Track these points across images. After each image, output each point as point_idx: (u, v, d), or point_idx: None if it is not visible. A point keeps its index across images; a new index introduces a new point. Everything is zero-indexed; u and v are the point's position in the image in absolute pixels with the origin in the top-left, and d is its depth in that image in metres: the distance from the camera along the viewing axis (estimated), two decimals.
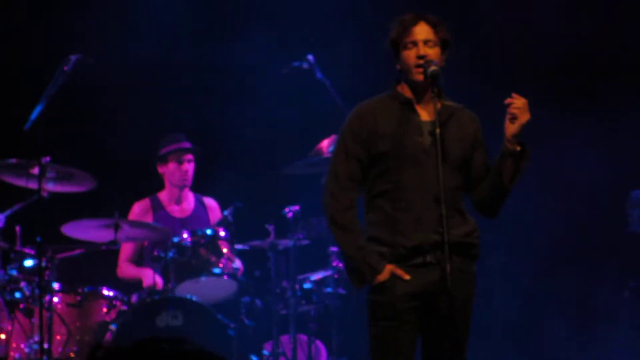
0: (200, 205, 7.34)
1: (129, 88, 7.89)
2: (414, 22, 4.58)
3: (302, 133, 7.50)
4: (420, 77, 4.54)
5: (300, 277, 6.91)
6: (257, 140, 7.89)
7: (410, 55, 4.56)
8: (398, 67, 4.63)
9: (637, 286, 7.25)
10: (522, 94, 4.52)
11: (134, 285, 6.89)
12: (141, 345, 1.90)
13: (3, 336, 6.23)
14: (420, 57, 4.53)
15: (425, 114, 4.62)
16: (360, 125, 4.61)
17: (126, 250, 7.12)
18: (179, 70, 8.06)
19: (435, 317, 4.55)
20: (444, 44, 4.61)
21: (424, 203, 4.51)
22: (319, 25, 7.87)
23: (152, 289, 6.57)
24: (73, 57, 6.42)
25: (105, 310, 6.46)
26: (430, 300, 4.53)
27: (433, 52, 4.55)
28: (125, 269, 7.10)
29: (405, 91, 4.64)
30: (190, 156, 7.19)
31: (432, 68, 4.50)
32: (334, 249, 6.84)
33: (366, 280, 4.56)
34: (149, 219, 7.13)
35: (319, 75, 6.88)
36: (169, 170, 7.21)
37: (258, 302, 6.90)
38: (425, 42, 4.55)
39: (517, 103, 4.49)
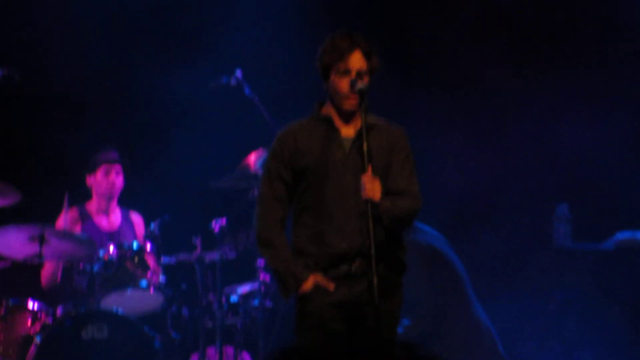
0: (126, 220, 7.32)
1: (54, 99, 7.85)
2: (350, 50, 4.64)
3: (230, 147, 7.52)
4: (350, 107, 4.64)
5: (227, 289, 6.93)
6: (185, 153, 7.89)
7: (342, 83, 4.63)
8: (325, 87, 4.72)
9: (563, 299, 7.36)
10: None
11: (60, 297, 6.84)
12: None
13: None
14: (351, 80, 4.60)
15: (346, 131, 4.71)
16: (281, 147, 4.73)
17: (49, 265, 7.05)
18: (107, 83, 8.04)
19: (361, 328, 4.62)
20: (373, 72, 4.70)
21: (346, 214, 4.60)
22: (248, 39, 7.91)
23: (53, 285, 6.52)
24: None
25: (30, 323, 6.41)
26: (357, 310, 4.60)
27: (365, 81, 4.65)
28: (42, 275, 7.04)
29: (330, 111, 4.73)
30: (118, 167, 7.17)
31: (360, 85, 4.59)
32: (261, 262, 6.88)
33: (292, 291, 4.63)
34: (77, 229, 7.09)
35: (247, 90, 6.92)
36: (96, 181, 7.18)
37: (185, 313, 6.90)
38: (359, 72, 4.63)
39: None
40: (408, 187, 4.71)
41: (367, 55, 4.66)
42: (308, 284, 4.62)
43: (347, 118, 4.70)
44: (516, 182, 7.94)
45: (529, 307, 7.46)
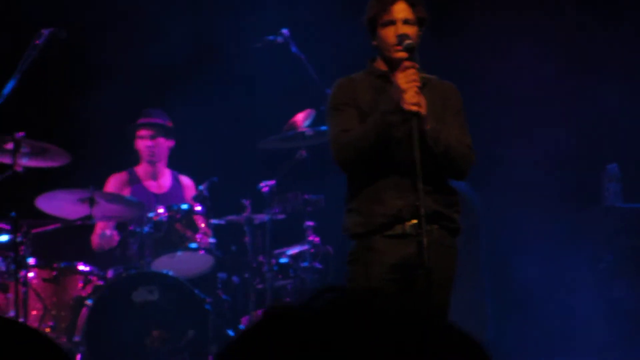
0: (176, 183, 7.32)
1: (104, 63, 7.83)
2: (393, 1, 4.59)
3: (277, 107, 7.48)
4: (399, 55, 4.56)
5: (277, 251, 6.91)
6: (233, 114, 7.86)
7: (388, 33, 4.58)
8: (374, 43, 4.66)
9: (613, 259, 7.29)
10: None
11: (111, 260, 6.87)
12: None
13: None
14: (399, 35, 4.55)
15: None
16: (341, 92, 4.67)
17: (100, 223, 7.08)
18: (154, 45, 8.00)
19: (413, 291, 4.56)
20: (421, 22, 4.64)
21: (402, 172, 4.52)
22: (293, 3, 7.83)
23: (104, 248, 6.54)
24: (45, 31, 6.37)
25: (81, 285, 6.44)
26: (408, 273, 4.54)
27: (411, 31, 4.58)
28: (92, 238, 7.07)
29: (381, 66, 4.69)
30: (162, 131, 7.15)
31: (407, 42, 4.52)
32: (309, 223, 6.85)
33: (397, 105, 4.45)
34: (126, 192, 7.10)
35: (294, 48, 6.84)
36: (139, 145, 7.20)
37: (234, 277, 6.91)
38: (405, 21, 4.58)
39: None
40: (460, 137, 4.64)
41: (412, 4, 4.61)
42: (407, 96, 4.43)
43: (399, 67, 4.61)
44: (567, 141, 7.83)
45: (579, 267, 7.38)
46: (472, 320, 6.51)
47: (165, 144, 7.20)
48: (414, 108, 4.43)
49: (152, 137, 7.14)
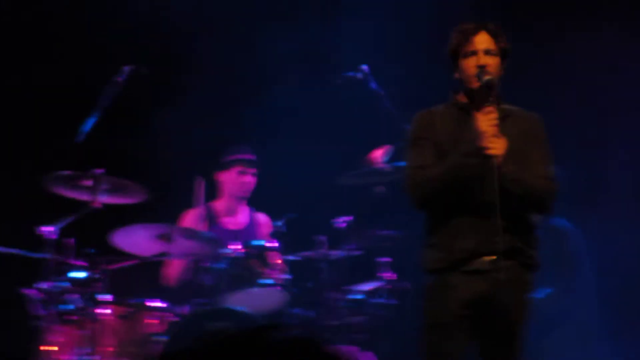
0: (252, 220, 7.29)
1: (183, 94, 7.88)
2: (475, 32, 4.59)
3: (356, 143, 7.44)
4: (475, 85, 4.51)
5: (352, 287, 6.83)
6: (312, 150, 7.83)
7: (469, 64, 4.56)
8: (456, 75, 4.65)
9: None
10: None
11: (185, 297, 6.85)
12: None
13: (55, 348, 6.22)
14: (480, 66, 4.50)
15: None
16: (420, 126, 4.66)
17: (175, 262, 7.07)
18: (233, 81, 8.05)
19: (488, 327, 4.48)
20: (503, 53, 4.59)
21: (481, 207, 4.46)
22: (369, 38, 7.81)
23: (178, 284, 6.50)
24: (126, 68, 6.43)
25: (157, 321, 6.43)
26: (483, 309, 4.46)
27: (493, 62, 4.56)
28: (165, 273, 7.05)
29: (463, 99, 4.66)
30: (254, 170, 7.15)
31: (487, 77, 4.48)
32: (385, 259, 6.77)
33: (477, 149, 4.44)
34: (202, 228, 7.09)
35: (373, 85, 6.80)
36: (230, 180, 7.15)
37: (310, 311, 6.83)
38: (486, 52, 4.55)
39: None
40: (541, 170, 4.58)
41: (494, 35, 4.59)
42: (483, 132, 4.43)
43: (479, 105, 4.56)
44: None
45: None
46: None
47: (254, 183, 7.20)
48: (492, 152, 4.37)
49: (254, 175, 7.14)
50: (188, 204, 7.17)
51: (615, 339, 6.94)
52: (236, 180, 7.14)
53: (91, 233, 6.22)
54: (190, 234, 6.66)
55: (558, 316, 6.45)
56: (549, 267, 6.44)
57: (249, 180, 7.13)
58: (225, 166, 7.16)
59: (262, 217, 7.33)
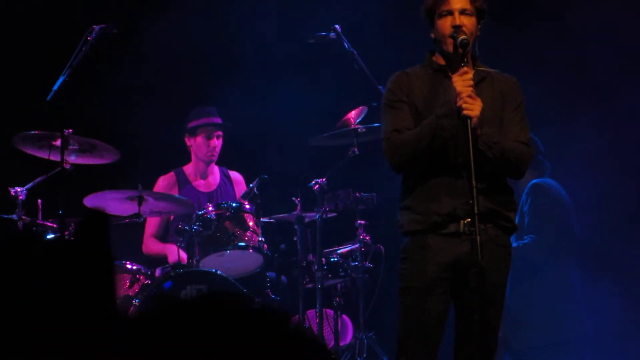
0: (226, 179, 7.24)
1: (152, 59, 7.79)
2: None
3: (329, 104, 7.38)
4: (451, 48, 4.45)
5: (327, 250, 6.79)
6: (284, 110, 7.77)
7: (445, 24, 4.51)
8: (432, 36, 4.60)
9: None
10: None
11: (158, 260, 6.80)
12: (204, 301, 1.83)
13: None
14: (455, 26, 4.43)
15: None
16: (396, 88, 4.58)
17: (150, 225, 7.02)
18: (204, 43, 7.94)
19: (466, 290, 4.45)
20: (480, 13, 4.53)
21: (457, 172, 4.43)
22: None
23: (177, 264, 6.48)
24: (97, 27, 6.32)
25: (128, 284, 6.37)
26: (461, 272, 4.43)
27: (469, 22, 4.50)
28: (150, 245, 7.00)
29: (440, 60, 4.60)
30: (219, 132, 7.09)
31: (462, 37, 4.43)
32: (360, 222, 6.73)
33: (453, 112, 4.38)
34: (174, 193, 7.03)
35: (346, 44, 6.71)
36: (196, 144, 7.11)
37: (284, 276, 6.80)
38: (462, 11, 4.49)
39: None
40: (517, 136, 4.52)
41: None
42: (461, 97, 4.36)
43: (456, 66, 4.50)
44: None
45: None
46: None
47: (220, 145, 7.14)
48: (468, 113, 4.32)
49: (219, 137, 7.07)
50: (159, 167, 7.11)
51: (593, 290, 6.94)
52: (203, 144, 7.08)
53: (61, 194, 6.12)
54: (162, 196, 6.59)
55: (535, 266, 6.43)
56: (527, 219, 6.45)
57: (215, 143, 7.07)
58: (191, 131, 7.10)
59: (236, 175, 7.29)
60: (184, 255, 6.56)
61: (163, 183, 7.10)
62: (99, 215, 1.68)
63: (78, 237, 1.69)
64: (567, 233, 6.54)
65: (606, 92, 7.56)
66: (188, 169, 7.20)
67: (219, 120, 7.11)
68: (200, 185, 7.16)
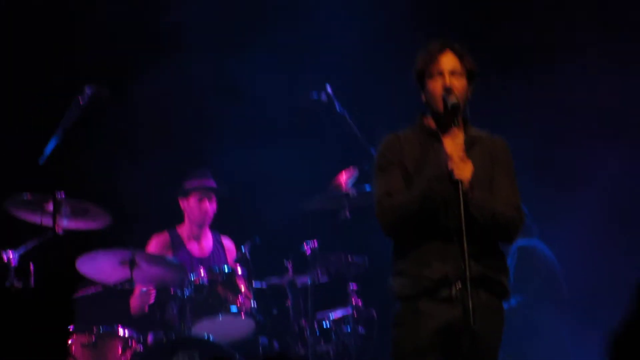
0: (218, 245, 7.24)
1: (145, 119, 7.81)
2: (441, 51, 4.53)
3: (320, 166, 7.38)
4: (442, 108, 4.47)
5: (319, 315, 6.77)
6: (275, 173, 7.77)
7: (436, 85, 4.50)
8: (423, 98, 4.58)
9: None
10: None
11: (150, 324, 6.76)
12: None
13: None
14: (446, 88, 4.45)
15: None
16: (388, 150, 4.57)
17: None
18: (196, 104, 7.97)
19: (459, 355, 4.43)
20: (470, 75, 4.54)
21: (449, 236, 4.41)
22: (335, 58, 7.76)
23: (141, 314, 6.46)
24: (88, 89, 6.34)
25: (120, 351, 6.33)
26: (454, 337, 4.41)
27: (459, 84, 4.50)
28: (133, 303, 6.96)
29: (431, 123, 4.58)
30: (212, 195, 7.09)
31: (453, 100, 4.42)
32: (353, 287, 6.72)
33: (444, 176, 4.37)
34: (168, 254, 7.02)
35: (337, 106, 6.75)
36: (189, 206, 7.12)
37: (275, 342, 6.77)
38: (452, 72, 4.49)
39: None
40: (508, 199, 4.51)
41: (460, 56, 4.53)
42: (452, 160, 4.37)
43: (446, 129, 4.51)
44: None
45: None
46: None
47: (214, 209, 7.14)
48: (459, 176, 4.33)
49: (211, 201, 7.07)
50: (152, 229, 7.10)
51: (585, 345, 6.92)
52: (195, 207, 7.09)
53: (53, 258, 6.10)
54: (155, 260, 6.56)
55: (529, 324, 6.42)
56: (521, 281, 6.45)
57: (208, 207, 7.07)
58: (185, 193, 7.11)
59: (226, 241, 7.27)
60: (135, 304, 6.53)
61: (157, 242, 7.09)
62: (66, 272, 1.67)
63: (41, 288, 1.68)
64: (553, 292, 6.54)
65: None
66: (182, 229, 7.20)
67: (212, 184, 7.12)
68: (194, 249, 7.15)
